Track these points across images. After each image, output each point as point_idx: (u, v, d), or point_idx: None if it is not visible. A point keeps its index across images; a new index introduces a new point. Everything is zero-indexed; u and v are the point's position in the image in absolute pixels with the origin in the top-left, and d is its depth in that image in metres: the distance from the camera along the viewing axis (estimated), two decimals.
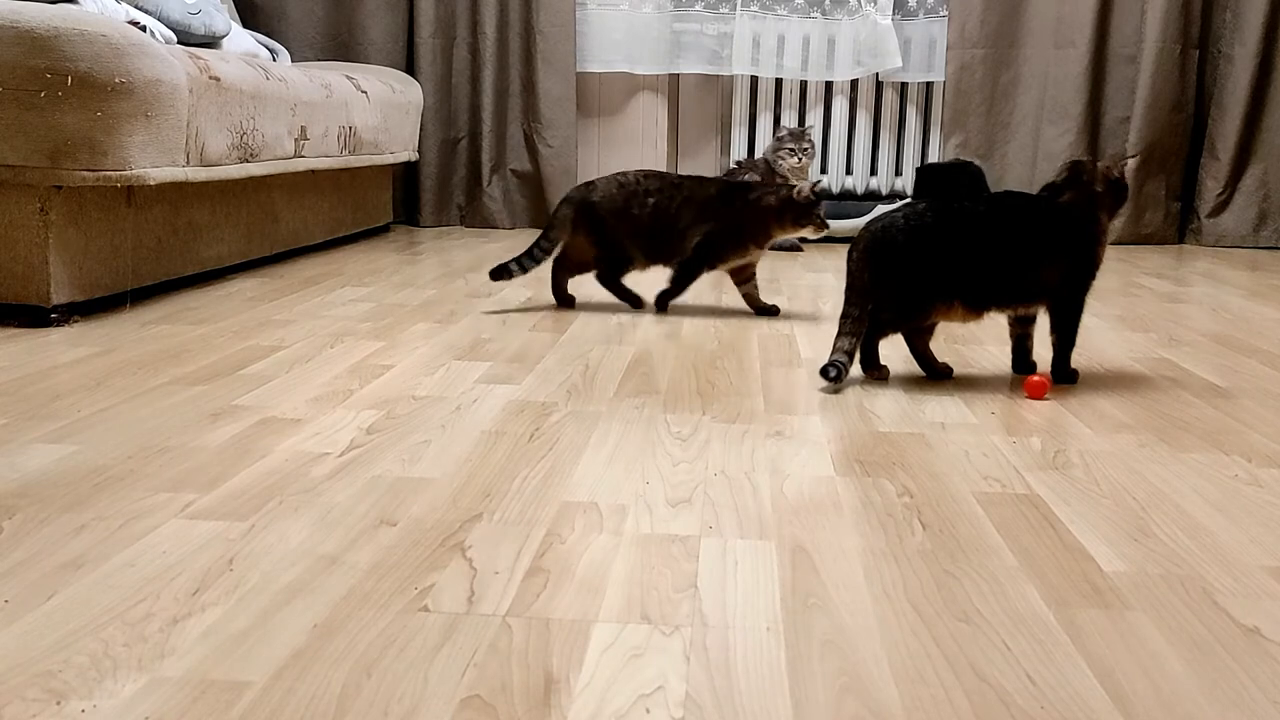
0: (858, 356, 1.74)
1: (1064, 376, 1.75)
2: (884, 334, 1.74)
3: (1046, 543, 1.10)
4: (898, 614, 0.93)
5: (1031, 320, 1.79)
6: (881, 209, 3.62)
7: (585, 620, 0.91)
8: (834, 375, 1.67)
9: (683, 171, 3.99)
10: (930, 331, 1.77)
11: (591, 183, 2.33)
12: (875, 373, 1.76)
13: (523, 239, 3.58)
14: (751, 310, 2.36)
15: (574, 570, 1.01)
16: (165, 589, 0.95)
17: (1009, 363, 1.86)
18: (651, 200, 2.27)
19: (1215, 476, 1.32)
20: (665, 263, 2.31)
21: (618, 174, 2.33)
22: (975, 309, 1.69)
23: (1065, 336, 1.74)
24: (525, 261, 2.32)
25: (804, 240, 3.68)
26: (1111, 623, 0.92)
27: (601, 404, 1.59)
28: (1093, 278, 1.72)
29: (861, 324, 1.70)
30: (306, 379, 1.69)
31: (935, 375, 1.78)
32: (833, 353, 1.70)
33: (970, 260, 1.66)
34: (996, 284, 1.67)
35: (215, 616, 0.90)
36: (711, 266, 2.29)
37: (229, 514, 1.13)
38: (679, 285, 2.31)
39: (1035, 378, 1.67)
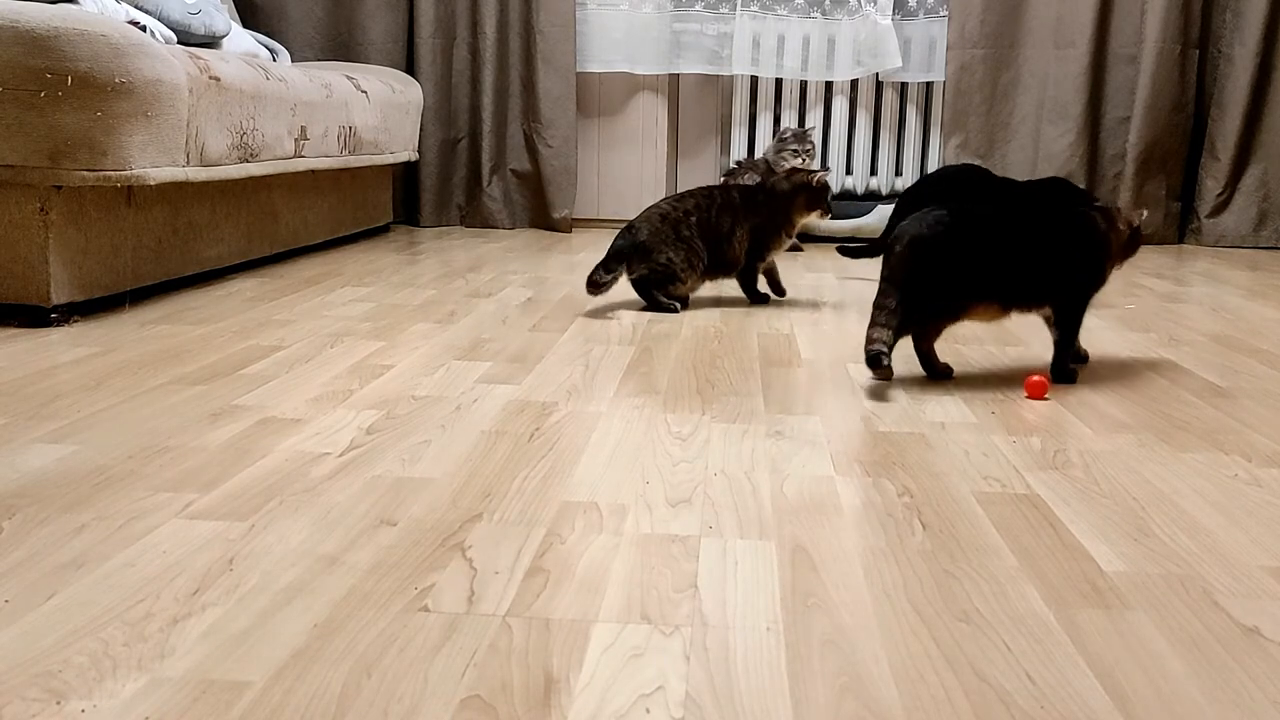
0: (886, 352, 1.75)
1: (1064, 376, 1.75)
2: (934, 328, 1.75)
3: (1046, 543, 1.10)
4: (898, 614, 0.93)
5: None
6: (882, 209, 3.62)
7: (585, 620, 0.91)
8: (886, 363, 1.66)
9: (682, 172, 3.99)
10: (937, 333, 1.77)
11: (631, 226, 2.34)
12: (943, 368, 1.79)
13: (522, 239, 3.58)
14: (773, 294, 2.55)
15: (574, 570, 1.01)
16: (165, 589, 0.95)
17: (1009, 363, 1.86)
18: (694, 219, 2.34)
19: (1215, 476, 1.32)
20: (717, 273, 2.42)
21: (651, 209, 2.37)
22: (1007, 307, 1.73)
23: (1068, 336, 1.75)
24: (599, 274, 2.33)
25: (802, 238, 3.68)
26: (1111, 623, 0.92)
27: (601, 404, 1.59)
28: (1098, 289, 1.77)
29: (895, 316, 1.70)
30: (306, 379, 1.69)
31: (936, 375, 1.78)
32: (871, 343, 1.68)
33: (1005, 260, 1.69)
34: (1026, 283, 1.71)
35: (215, 616, 0.90)
36: (763, 260, 2.45)
37: (229, 514, 1.13)
38: (749, 286, 2.49)
39: (1035, 378, 1.67)
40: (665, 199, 2.39)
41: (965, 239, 1.70)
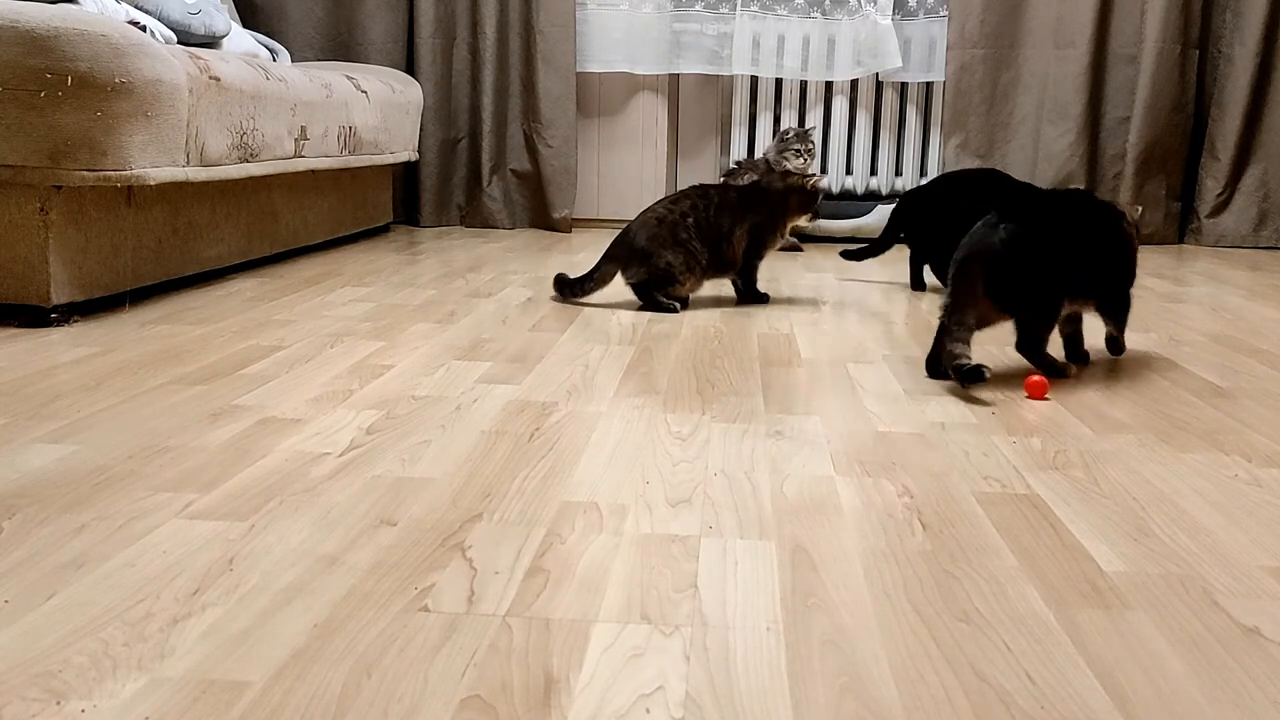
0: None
1: (1120, 349, 1.97)
2: (1044, 337, 1.79)
3: (1046, 543, 1.10)
4: (898, 614, 0.93)
5: (1080, 318, 1.93)
6: (882, 209, 3.62)
7: (585, 620, 0.91)
8: (986, 374, 1.64)
9: (682, 172, 3.99)
10: (976, 328, 1.78)
11: (628, 230, 2.37)
12: (1078, 365, 1.88)
13: (522, 239, 3.58)
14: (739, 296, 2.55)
15: (574, 570, 1.01)
16: (165, 589, 0.95)
17: (1009, 363, 1.87)
18: (690, 220, 2.35)
19: (1215, 476, 1.32)
20: (716, 273, 2.42)
21: (647, 212, 2.38)
22: (1080, 302, 1.83)
23: (1123, 322, 1.92)
24: (575, 288, 2.42)
25: (803, 239, 3.68)
26: (1111, 623, 0.92)
27: (601, 404, 1.59)
28: (1133, 282, 1.92)
29: (970, 329, 1.72)
30: (306, 379, 1.69)
31: (1073, 360, 1.89)
32: (958, 358, 1.67)
33: (1072, 260, 1.76)
34: (1085, 281, 1.79)
35: (215, 616, 0.90)
36: (760, 258, 2.47)
37: (229, 514, 1.13)
38: (749, 285, 2.49)
39: (1035, 378, 1.67)
40: (660, 201, 2.39)
41: (1038, 246, 1.73)
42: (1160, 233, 3.70)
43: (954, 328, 1.70)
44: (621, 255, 2.36)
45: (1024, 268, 1.72)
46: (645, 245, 2.33)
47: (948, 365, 1.69)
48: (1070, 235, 1.75)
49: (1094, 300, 1.84)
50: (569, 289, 2.41)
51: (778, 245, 2.47)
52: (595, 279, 2.38)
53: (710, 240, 2.36)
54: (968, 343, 1.70)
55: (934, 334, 1.80)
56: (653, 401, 1.61)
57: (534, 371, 1.78)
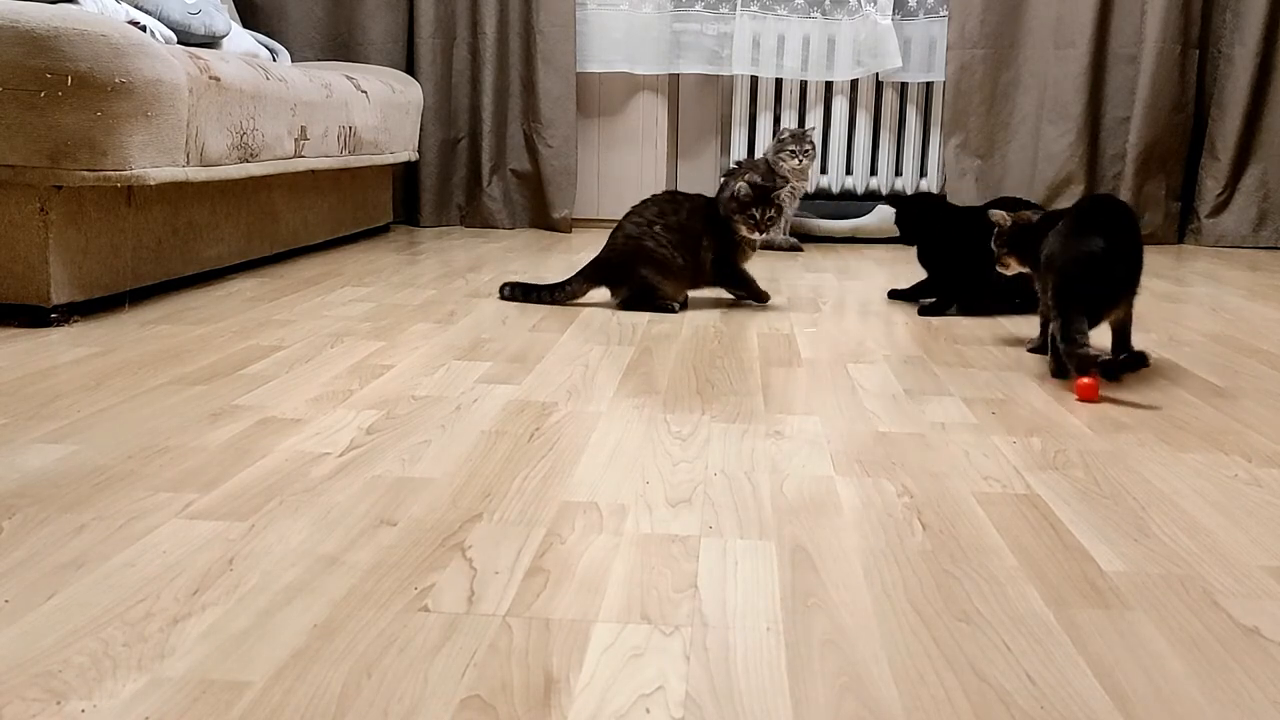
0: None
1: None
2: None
3: (1046, 543, 1.10)
4: (898, 614, 0.93)
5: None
6: (882, 209, 3.62)
7: (585, 620, 0.91)
8: (1149, 361, 1.69)
9: (682, 172, 3.99)
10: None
11: (602, 254, 2.39)
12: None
13: (522, 239, 3.58)
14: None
15: (574, 570, 1.01)
16: (165, 589, 0.95)
17: (1008, 362, 1.87)
18: (657, 226, 2.34)
19: (1215, 476, 1.32)
20: (695, 276, 2.39)
21: (616, 230, 2.39)
22: (1117, 310, 1.86)
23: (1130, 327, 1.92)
24: (543, 293, 2.42)
25: (802, 238, 3.68)
26: (1111, 623, 0.92)
27: (601, 404, 1.59)
28: None
29: (1086, 331, 1.74)
30: (306, 379, 1.69)
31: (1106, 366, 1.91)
32: (1090, 352, 1.68)
33: (1127, 268, 1.80)
34: (1127, 288, 1.83)
35: (215, 616, 0.90)
36: (738, 267, 2.43)
37: (229, 514, 1.13)
38: (744, 292, 2.47)
39: (1086, 380, 1.65)
40: (627, 215, 2.39)
41: (1119, 255, 1.77)
42: (1160, 233, 3.70)
43: (1076, 335, 1.71)
44: (600, 278, 2.38)
45: (1114, 275, 1.77)
46: (618, 264, 2.35)
47: (1085, 368, 1.68)
48: (1133, 245, 1.80)
49: (1122, 310, 1.86)
50: (533, 295, 2.40)
51: (749, 258, 2.44)
52: (567, 291, 2.39)
53: (684, 243, 2.34)
54: (1088, 342, 1.70)
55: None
56: (653, 401, 1.61)
57: (534, 371, 1.78)
